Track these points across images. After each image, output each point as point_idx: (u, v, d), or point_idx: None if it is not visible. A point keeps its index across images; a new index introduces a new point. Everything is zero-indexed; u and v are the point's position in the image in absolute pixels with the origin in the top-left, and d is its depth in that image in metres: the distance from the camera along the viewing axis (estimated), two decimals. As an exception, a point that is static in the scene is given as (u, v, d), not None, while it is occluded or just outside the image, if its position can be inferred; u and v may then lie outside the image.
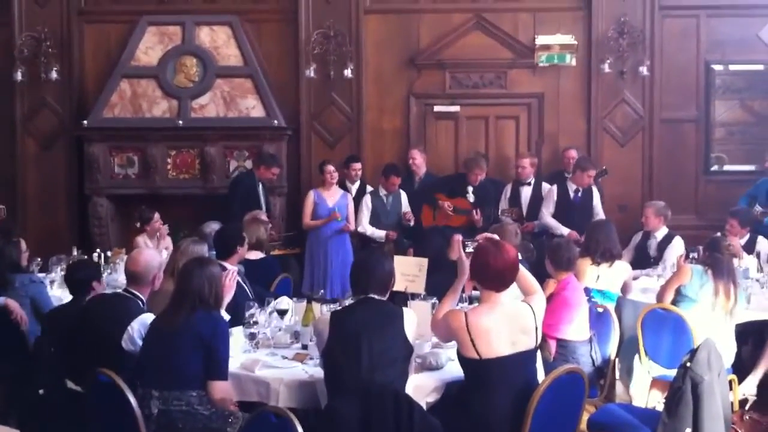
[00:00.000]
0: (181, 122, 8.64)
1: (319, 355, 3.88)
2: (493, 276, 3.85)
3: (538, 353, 4.19)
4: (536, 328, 3.84)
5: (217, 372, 3.81)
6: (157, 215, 7.11)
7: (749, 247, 6.79)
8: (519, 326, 3.79)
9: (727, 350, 5.06)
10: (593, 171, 7.80)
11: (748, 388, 5.36)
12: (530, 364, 3.90)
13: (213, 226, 6.43)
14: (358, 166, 8.32)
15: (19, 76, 8.77)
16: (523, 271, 4.04)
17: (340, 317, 3.81)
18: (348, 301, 4.38)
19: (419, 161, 8.49)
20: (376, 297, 3.84)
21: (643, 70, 8.79)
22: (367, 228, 8.04)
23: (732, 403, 4.74)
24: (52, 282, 6.12)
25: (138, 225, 7.10)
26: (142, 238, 6.95)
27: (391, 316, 3.78)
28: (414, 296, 5.02)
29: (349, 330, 3.69)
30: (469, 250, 4.18)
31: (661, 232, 6.97)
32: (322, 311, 4.42)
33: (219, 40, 8.89)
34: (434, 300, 4.82)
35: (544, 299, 4.07)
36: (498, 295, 3.86)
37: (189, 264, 4.16)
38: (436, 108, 9.19)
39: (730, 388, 4.74)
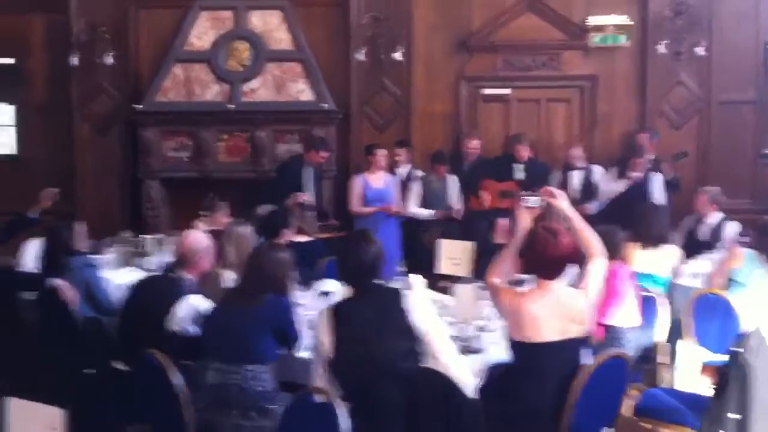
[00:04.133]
0: (232, 106, 8.72)
1: (317, 350, 3.75)
2: (547, 265, 3.79)
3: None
4: (588, 316, 3.79)
5: (292, 343, 4.08)
6: (224, 205, 6.93)
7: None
8: (570, 315, 3.74)
9: (779, 337, 4.94)
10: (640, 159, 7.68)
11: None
12: (579, 351, 3.84)
13: (267, 210, 6.49)
14: (402, 151, 8.29)
15: (75, 60, 8.94)
16: (587, 232, 3.95)
17: (341, 316, 3.69)
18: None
19: (478, 150, 8.43)
20: (370, 283, 3.74)
21: (700, 50, 8.58)
22: (414, 210, 8.02)
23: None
24: (104, 263, 6.21)
25: (205, 213, 7.07)
26: (203, 224, 6.91)
27: (389, 306, 3.67)
28: (460, 279, 5.02)
29: (352, 329, 3.62)
30: (530, 204, 4.07)
31: (714, 217, 6.84)
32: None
33: (270, 25, 8.92)
34: (480, 283, 4.81)
35: (605, 265, 3.97)
36: (551, 283, 3.80)
37: (258, 249, 4.25)
38: (486, 91, 9.11)
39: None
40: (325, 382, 3.68)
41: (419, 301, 3.75)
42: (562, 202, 4.00)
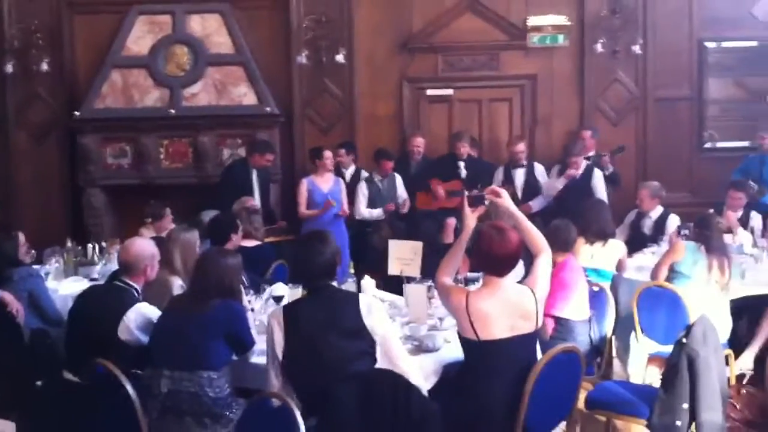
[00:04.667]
0: (173, 111, 8.61)
1: (270, 353, 3.71)
2: (495, 262, 3.82)
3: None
4: (537, 312, 3.82)
5: (246, 348, 4.00)
6: (168, 211, 6.94)
7: (744, 223, 6.81)
8: (519, 311, 3.78)
9: (723, 325, 5.07)
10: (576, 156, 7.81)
11: (745, 363, 5.39)
12: (530, 347, 3.89)
13: (210, 215, 6.43)
14: (342, 152, 8.29)
15: (9, 68, 8.75)
16: (531, 229, 3.99)
17: (293, 316, 3.68)
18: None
19: (421, 147, 8.49)
20: (324, 284, 3.74)
21: (636, 49, 8.78)
22: (364, 213, 8.05)
23: (729, 378, 4.77)
24: (47, 274, 6.10)
25: (149, 220, 7.00)
26: (148, 231, 6.85)
27: (343, 308, 3.67)
28: (410, 279, 5.03)
29: (304, 329, 3.61)
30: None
31: (656, 211, 6.98)
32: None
33: (210, 28, 8.83)
34: (429, 283, 4.83)
35: (551, 260, 4.03)
36: (500, 280, 3.83)
37: (207, 254, 4.21)
38: (429, 92, 9.18)
39: (727, 364, 4.78)
40: (279, 384, 3.66)
41: (375, 304, 3.75)
42: (506, 200, 4.04)
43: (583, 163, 7.87)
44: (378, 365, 3.64)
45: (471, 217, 4.01)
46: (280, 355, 3.64)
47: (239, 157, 8.35)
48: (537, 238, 4.00)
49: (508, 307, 3.76)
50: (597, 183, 7.79)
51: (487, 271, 3.87)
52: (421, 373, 3.82)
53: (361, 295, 3.82)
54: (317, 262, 3.70)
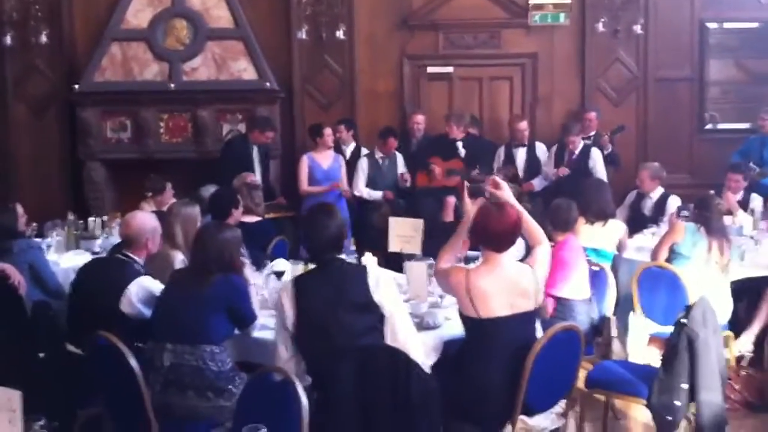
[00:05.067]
0: (172, 85, 8.57)
1: (281, 325, 3.72)
2: (494, 237, 3.82)
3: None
4: (536, 291, 3.83)
5: (248, 322, 4.03)
6: (169, 186, 6.94)
7: (744, 205, 6.82)
8: (519, 289, 3.78)
9: (723, 307, 5.09)
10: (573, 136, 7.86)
11: (744, 344, 5.42)
12: (529, 326, 3.90)
13: (210, 190, 6.42)
14: (342, 128, 8.28)
15: (8, 40, 8.69)
16: (530, 221, 3.99)
17: (303, 289, 3.68)
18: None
19: (421, 124, 8.46)
20: (332, 258, 3.74)
21: (637, 28, 8.76)
22: (363, 191, 8.06)
23: (728, 360, 4.80)
24: (48, 247, 6.10)
25: (150, 194, 6.99)
26: (149, 205, 6.84)
27: (352, 282, 3.67)
28: (410, 257, 5.04)
29: (314, 303, 3.62)
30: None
31: (657, 192, 7.00)
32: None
33: (209, 2, 8.76)
34: (430, 260, 4.84)
35: (549, 250, 4.04)
36: (499, 256, 3.83)
37: (205, 229, 4.20)
38: (430, 69, 9.15)
39: (726, 345, 4.81)
40: (288, 356, 3.67)
41: (384, 279, 3.74)
42: (505, 192, 4.03)
43: (581, 143, 7.88)
44: (386, 341, 3.65)
45: (471, 207, 4.00)
46: (290, 327, 3.65)
47: (239, 133, 8.33)
48: (535, 230, 4.01)
49: (507, 285, 3.77)
50: (596, 163, 7.79)
51: (486, 246, 3.87)
52: (425, 348, 3.82)
53: (369, 268, 3.79)
54: (324, 235, 3.70)
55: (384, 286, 3.70)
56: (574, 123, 8.16)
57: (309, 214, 3.81)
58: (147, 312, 4.16)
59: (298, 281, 3.76)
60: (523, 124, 8.26)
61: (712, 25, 8.98)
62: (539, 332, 4.00)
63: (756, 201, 6.91)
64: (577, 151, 7.87)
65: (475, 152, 8.13)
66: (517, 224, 3.85)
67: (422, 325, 4.15)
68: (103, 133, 8.69)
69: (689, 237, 5.41)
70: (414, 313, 4.32)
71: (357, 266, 3.91)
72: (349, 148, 8.34)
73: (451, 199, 7.74)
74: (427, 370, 3.64)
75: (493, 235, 3.81)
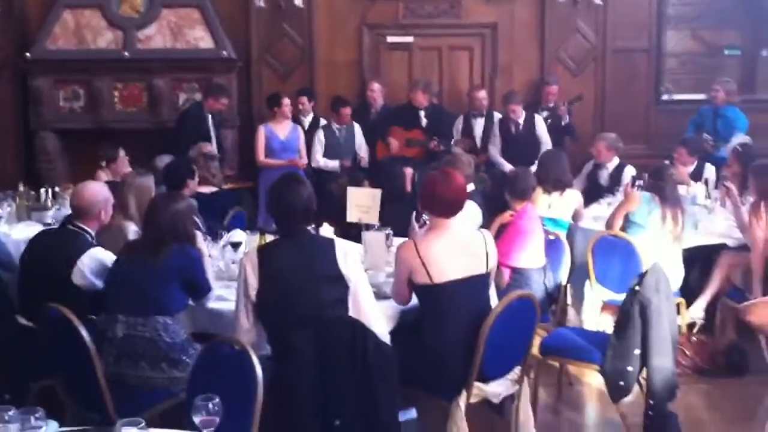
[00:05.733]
0: (127, 54, 8.40)
1: (242, 293, 3.63)
2: (442, 202, 3.87)
3: (492, 282, 4.24)
4: (487, 254, 3.87)
5: (202, 293, 4.01)
6: (122, 153, 6.81)
7: (697, 175, 6.90)
8: (469, 250, 3.84)
9: (675, 274, 5.16)
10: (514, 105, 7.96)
11: (696, 311, 5.53)
12: (483, 291, 3.93)
13: (165, 160, 6.35)
14: (304, 100, 8.22)
15: (-44, 7, 8.47)
16: None
17: (268, 259, 3.61)
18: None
19: (377, 93, 8.41)
20: (301, 228, 3.70)
21: (597, -1, 8.77)
22: (320, 161, 8.01)
23: (680, 326, 4.88)
24: (-1, 218, 6.00)
25: (103, 164, 6.87)
26: (105, 174, 6.72)
27: (320, 253, 3.64)
28: (368, 227, 5.03)
29: (280, 273, 3.56)
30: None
31: (613, 162, 7.06)
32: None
33: (166, -31, 8.61)
34: (388, 230, 4.84)
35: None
36: (447, 221, 3.88)
37: (156, 200, 4.15)
38: (390, 39, 9.09)
39: (678, 312, 4.88)
40: (249, 325, 3.63)
41: (350, 251, 3.72)
42: None
43: (523, 113, 7.94)
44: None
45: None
46: (253, 296, 3.60)
47: (195, 101, 8.21)
48: None
49: (458, 247, 3.82)
50: (539, 130, 7.89)
51: (435, 213, 3.91)
52: (384, 318, 3.83)
53: (336, 241, 3.77)
54: (295, 205, 3.64)
55: (351, 258, 3.68)
56: (513, 92, 8.22)
57: (278, 184, 3.75)
58: (99, 284, 4.11)
59: (264, 250, 3.70)
60: (482, 93, 8.29)
61: (670, -4, 9.02)
62: (494, 300, 4.03)
63: (709, 171, 7.00)
64: (521, 121, 7.93)
65: (436, 122, 8.13)
66: (463, 189, 3.94)
67: (380, 295, 4.14)
68: (55, 102, 8.50)
69: (644, 206, 5.47)
70: (372, 282, 4.29)
71: (324, 238, 3.89)
72: (308, 119, 8.28)
73: (409, 170, 7.75)
74: (388, 341, 3.64)
75: (441, 200, 3.86)
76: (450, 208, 3.88)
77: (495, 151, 8.09)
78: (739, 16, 9.04)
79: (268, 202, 3.80)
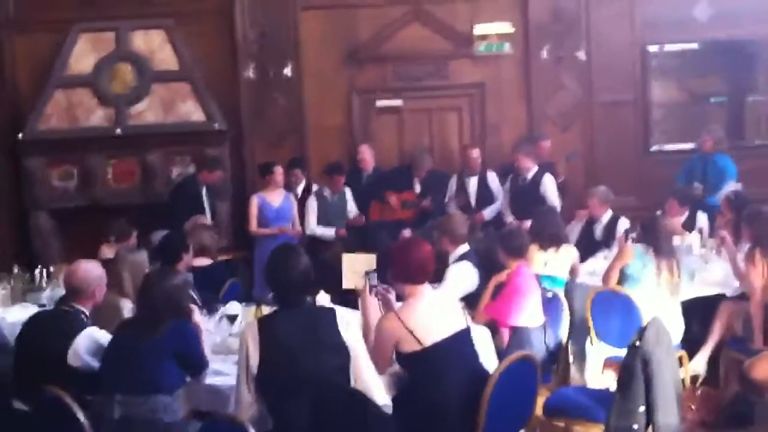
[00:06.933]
0: (119, 130, 8.46)
1: (243, 365, 3.59)
2: (416, 268, 3.91)
3: (489, 340, 4.23)
4: (462, 308, 3.99)
5: (198, 370, 3.96)
6: (134, 232, 6.90)
7: (690, 224, 6.90)
8: (448, 309, 3.92)
9: (675, 327, 5.12)
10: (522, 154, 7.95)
11: (698, 365, 5.47)
12: (471, 345, 3.94)
13: (161, 235, 6.34)
14: (297, 172, 8.27)
15: (-50, 89, 8.56)
16: None
17: (269, 329, 3.58)
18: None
19: (368, 157, 8.47)
20: (301, 298, 3.68)
21: (580, 54, 8.88)
22: (315, 229, 8.01)
23: (683, 380, 4.82)
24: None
25: (112, 239, 6.87)
26: (110, 249, 6.68)
27: (322, 323, 3.62)
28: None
29: (282, 344, 3.53)
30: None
31: (606, 215, 7.06)
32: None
33: (154, 45, 8.69)
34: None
35: None
36: (421, 287, 3.91)
37: (151, 276, 4.14)
38: (379, 103, 9.18)
39: (681, 365, 4.83)
40: (252, 399, 3.57)
41: (351, 319, 3.73)
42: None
43: (534, 168, 7.92)
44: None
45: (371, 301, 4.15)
46: (254, 369, 3.55)
47: (188, 174, 8.24)
48: None
49: (437, 307, 3.89)
50: (547, 188, 7.84)
51: (408, 281, 3.93)
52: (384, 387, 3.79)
53: (337, 309, 3.77)
54: (293, 276, 3.63)
55: (352, 327, 3.68)
56: (523, 142, 8.23)
57: (275, 255, 3.75)
58: (95, 364, 4.06)
59: (265, 321, 3.67)
60: (476, 152, 8.32)
61: (653, 48, 9.11)
62: (494, 361, 4.00)
63: (702, 219, 7.01)
64: (529, 177, 7.92)
65: (430, 184, 8.19)
66: (431, 254, 4.00)
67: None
68: (48, 182, 8.51)
69: (638, 259, 5.45)
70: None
71: (324, 307, 3.89)
72: (300, 187, 8.31)
73: (407, 232, 7.76)
74: (388, 409, 3.60)
75: (414, 266, 3.90)
76: (423, 272, 3.92)
77: (504, 204, 8.10)
78: (723, 64, 9.15)
79: (266, 274, 3.78)
